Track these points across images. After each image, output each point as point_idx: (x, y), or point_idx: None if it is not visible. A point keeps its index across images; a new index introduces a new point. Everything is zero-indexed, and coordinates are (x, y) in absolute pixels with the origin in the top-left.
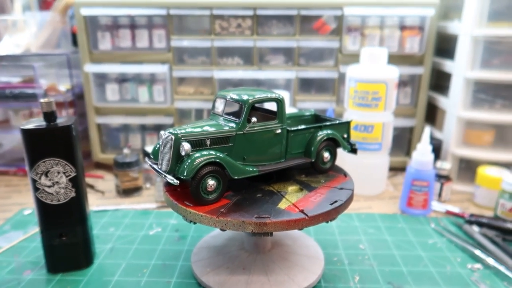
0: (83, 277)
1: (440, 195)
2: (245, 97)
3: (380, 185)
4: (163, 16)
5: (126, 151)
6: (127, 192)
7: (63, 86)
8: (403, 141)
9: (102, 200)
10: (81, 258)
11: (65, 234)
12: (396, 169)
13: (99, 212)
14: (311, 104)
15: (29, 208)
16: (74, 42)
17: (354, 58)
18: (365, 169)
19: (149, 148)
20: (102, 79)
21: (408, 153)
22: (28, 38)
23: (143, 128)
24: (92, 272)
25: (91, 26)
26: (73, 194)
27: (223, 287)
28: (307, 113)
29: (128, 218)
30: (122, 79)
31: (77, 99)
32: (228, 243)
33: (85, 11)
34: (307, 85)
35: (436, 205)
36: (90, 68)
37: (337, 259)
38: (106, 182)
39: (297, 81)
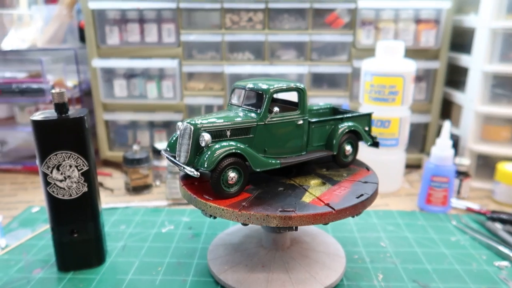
0: (96, 275)
1: (459, 192)
2: (265, 86)
3: (396, 182)
4: (173, 10)
5: (135, 147)
6: (137, 189)
7: (70, 81)
8: (418, 138)
9: (111, 198)
10: (93, 256)
11: (77, 231)
12: (411, 166)
13: (109, 210)
14: (324, 99)
15: (37, 205)
16: (81, 37)
17: (368, 52)
18: (381, 166)
19: (158, 145)
20: (110, 74)
21: (423, 150)
22: (34, 33)
23: (152, 125)
24: (104, 270)
25: (99, 20)
26: (85, 189)
27: (242, 285)
28: (324, 106)
29: (139, 215)
30: (130, 75)
31: (84, 95)
32: (245, 240)
33: (93, 5)
34: (319, 80)
35: (455, 202)
36: (98, 63)
37: (358, 257)
38: (114, 179)
39: (309, 76)
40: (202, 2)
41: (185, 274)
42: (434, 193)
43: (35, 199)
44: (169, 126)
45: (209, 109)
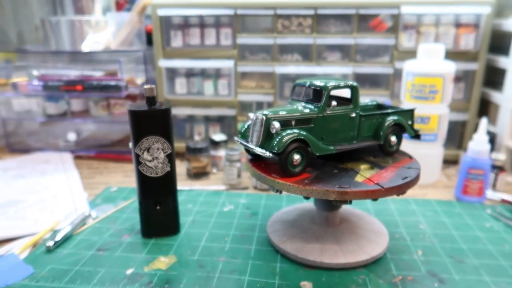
0: (174, 241)
1: (494, 185)
2: (324, 84)
3: (434, 175)
4: (230, 16)
5: (197, 138)
6: (197, 175)
7: (139, 79)
8: (456, 135)
9: None
10: (171, 225)
11: (160, 204)
12: (449, 162)
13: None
14: (366, 98)
15: (114, 186)
16: (148, 40)
17: (409, 54)
18: (421, 159)
19: (216, 137)
20: (172, 73)
21: (460, 146)
22: (108, 37)
23: (207, 119)
24: (181, 238)
25: (165, 25)
26: (168, 169)
27: (299, 253)
28: (370, 103)
29: (202, 197)
30: (190, 74)
31: None
32: (299, 218)
33: (161, 12)
34: (362, 80)
35: (491, 194)
36: (163, 63)
37: (399, 236)
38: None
39: (352, 76)
40: (258, 9)
41: (249, 243)
42: (471, 185)
43: (111, 181)
44: (222, 120)
45: (259, 105)
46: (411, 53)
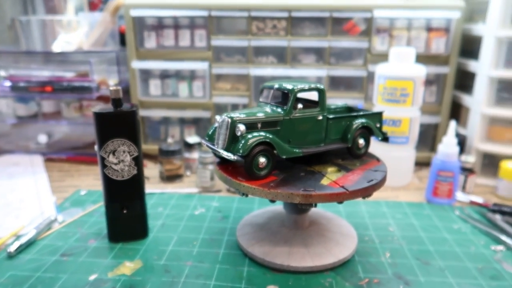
0: (142, 246)
1: (464, 187)
2: (291, 87)
3: (406, 177)
4: (205, 17)
5: (170, 140)
6: (170, 178)
7: (112, 81)
8: (428, 137)
9: (147, 185)
10: (139, 229)
11: (126, 208)
12: (421, 164)
13: (147, 194)
14: (340, 100)
15: (84, 189)
16: (121, 41)
17: (382, 57)
18: (392, 162)
19: (190, 139)
20: (146, 75)
21: (432, 148)
22: (80, 37)
23: (182, 121)
24: (148, 242)
25: (138, 26)
26: (135, 172)
27: (267, 257)
28: (340, 105)
29: (174, 200)
30: (164, 75)
31: (123, 94)
32: (269, 221)
33: (134, 12)
34: (336, 83)
35: (460, 196)
36: (137, 64)
37: (368, 239)
38: (149, 169)
39: (327, 79)
40: (232, 11)
41: (218, 247)
42: (440, 186)
43: (81, 184)
44: (198, 122)
45: (235, 107)
46: (384, 56)
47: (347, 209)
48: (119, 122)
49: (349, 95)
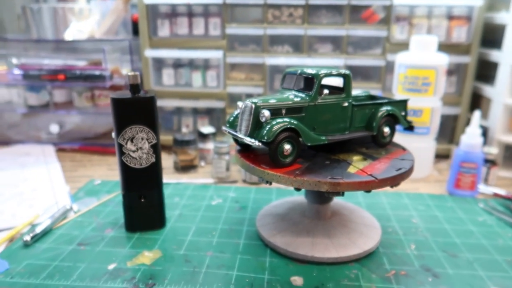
0: (159, 236)
1: (486, 179)
2: (316, 72)
3: (426, 169)
4: (219, 5)
5: (184, 130)
6: (185, 168)
7: (125, 70)
8: (447, 129)
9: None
10: (157, 219)
11: (144, 197)
12: (440, 156)
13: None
14: (358, 90)
15: (98, 179)
16: (134, 29)
17: (401, 47)
18: (413, 153)
19: (204, 129)
20: (159, 64)
21: (451, 140)
22: (92, 25)
23: (195, 112)
24: (166, 232)
25: (152, 14)
26: (153, 160)
27: (290, 247)
28: (363, 93)
29: (190, 190)
30: (177, 65)
31: None
32: (289, 212)
33: (148, 0)
34: (354, 73)
35: (483, 188)
36: (150, 53)
37: (392, 230)
38: (163, 160)
39: (344, 68)
40: None
41: (237, 237)
42: (463, 178)
43: (94, 174)
44: (211, 113)
45: (249, 97)
46: (403, 46)
47: (367, 201)
48: (137, 108)
49: (366, 85)
